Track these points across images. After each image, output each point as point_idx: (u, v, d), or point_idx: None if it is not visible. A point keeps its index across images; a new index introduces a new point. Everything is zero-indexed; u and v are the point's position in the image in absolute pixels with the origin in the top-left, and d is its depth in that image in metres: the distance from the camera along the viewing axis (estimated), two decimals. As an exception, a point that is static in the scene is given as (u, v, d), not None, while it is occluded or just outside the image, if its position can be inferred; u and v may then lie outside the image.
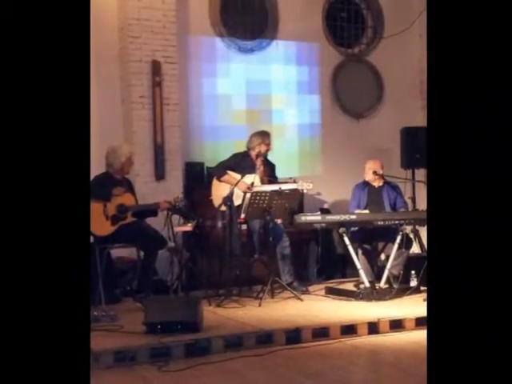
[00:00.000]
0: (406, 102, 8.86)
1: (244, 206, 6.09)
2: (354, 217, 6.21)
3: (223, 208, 6.16)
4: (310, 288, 6.62)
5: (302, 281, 6.87)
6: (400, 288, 6.10)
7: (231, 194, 6.11)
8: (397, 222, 6.14)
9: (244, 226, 6.48)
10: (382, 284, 6.13)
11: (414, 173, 7.96)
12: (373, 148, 8.20)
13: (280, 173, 6.81)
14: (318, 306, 5.74)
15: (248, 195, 6.05)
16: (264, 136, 6.61)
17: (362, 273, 6.12)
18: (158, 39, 7.25)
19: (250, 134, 6.71)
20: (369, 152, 7.73)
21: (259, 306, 5.71)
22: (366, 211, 6.50)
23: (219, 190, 6.42)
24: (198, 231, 6.64)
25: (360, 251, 6.34)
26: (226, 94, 8.03)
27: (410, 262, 6.41)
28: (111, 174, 6.03)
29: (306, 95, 8.51)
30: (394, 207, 6.66)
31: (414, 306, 5.52)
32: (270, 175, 6.57)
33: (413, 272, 6.38)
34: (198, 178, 7.57)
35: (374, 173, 6.65)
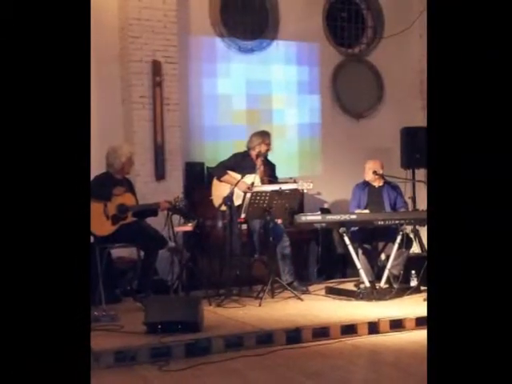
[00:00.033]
0: (406, 102, 8.86)
1: (244, 205, 6.10)
2: (354, 217, 6.21)
3: (223, 208, 6.16)
4: (311, 288, 6.62)
5: (302, 281, 6.87)
6: (400, 288, 6.10)
7: (231, 193, 6.11)
8: (397, 221, 6.14)
9: (244, 226, 6.49)
10: (383, 284, 6.13)
11: (414, 173, 7.97)
12: (373, 148, 8.20)
13: (280, 173, 6.82)
14: (318, 306, 5.74)
15: (248, 195, 6.06)
16: (264, 136, 6.61)
17: (362, 273, 6.12)
18: (159, 39, 7.26)
19: (251, 134, 6.71)
20: (369, 152, 7.73)
21: (259, 305, 5.71)
22: (366, 211, 6.50)
23: (219, 190, 6.42)
24: (199, 231, 6.64)
25: (360, 251, 6.34)
26: (227, 93, 8.03)
27: (410, 262, 6.42)
28: (111, 173, 6.03)
29: (306, 95, 8.51)
30: (394, 207, 6.66)
31: (415, 306, 5.53)
32: (270, 175, 6.57)
33: (413, 272, 6.38)
34: (199, 177, 7.57)
35: (374, 173, 6.66)
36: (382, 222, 6.14)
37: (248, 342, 4.70)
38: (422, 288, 6.12)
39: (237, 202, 6.22)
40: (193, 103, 7.81)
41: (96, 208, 5.67)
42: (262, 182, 6.42)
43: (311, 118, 8.53)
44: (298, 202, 6.49)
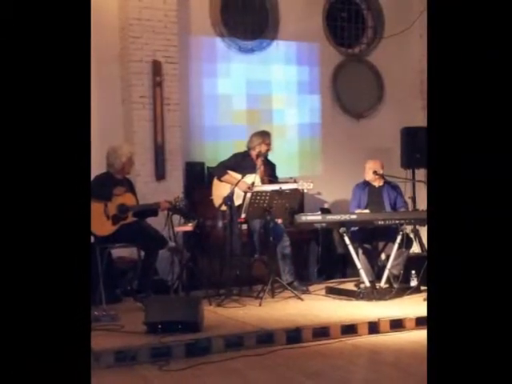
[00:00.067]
0: (407, 102, 8.86)
1: (244, 205, 6.10)
2: (354, 216, 6.21)
3: (224, 208, 6.16)
4: (311, 288, 6.62)
5: (302, 280, 6.87)
6: (400, 288, 6.10)
7: (232, 193, 6.11)
8: (397, 221, 6.14)
9: (244, 226, 6.49)
10: (383, 284, 6.13)
11: (414, 173, 7.97)
12: (373, 148, 8.20)
13: (280, 173, 6.82)
14: (318, 306, 5.74)
15: (248, 195, 6.06)
16: (264, 136, 6.61)
17: (362, 272, 6.13)
18: (159, 39, 7.26)
19: (251, 134, 6.72)
20: (369, 152, 7.74)
21: (260, 305, 5.71)
22: (367, 211, 6.51)
23: (220, 190, 6.42)
24: (199, 231, 6.65)
25: (360, 251, 6.34)
26: (227, 93, 8.04)
27: (411, 262, 6.42)
28: (112, 173, 6.03)
29: (306, 95, 8.51)
30: (394, 207, 6.66)
31: (415, 306, 5.53)
32: (270, 175, 6.58)
33: (413, 272, 6.38)
34: (199, 177, 7.57)
35: (375, 173, 6.66)
36: (382, 222, 6.15)
37: (248, 341, 4.70)
38: (422, 288, 6.12)
39: (237, 201, 6.22)
40: (193, 103, 7.82)
41: (96, 208, 5.67)
42: (263, 182, 6.43)
43: (311, 117, 8.54)
44: (298, 201, 6.50)
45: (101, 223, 5.72)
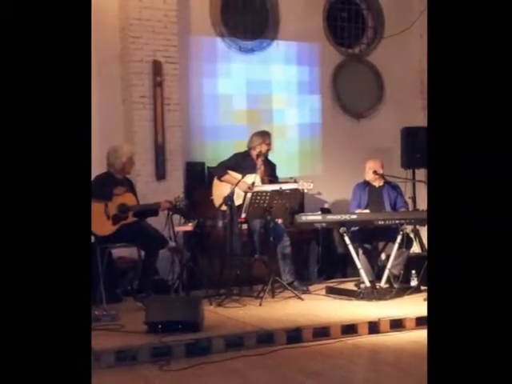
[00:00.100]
0: (407, 102, 8.87)
1: (245, 205, 6.10)
2: (354, 216, 6.22)
3: (224, 208, 6.17)
4: (311, 287, 6.63)
5: (302, 280, 6.87)
6: (400, 288, 6.11)
7: (232, 193, 6.11)
8: (397, 221, 6.14)
9: (245, 226, 6.49)
10: (383, 284, 6.14)
11: (414, 173, 7.98)
12: (373, 148, 8.20)
13: (281, 173, 6.82)
14: (318, 306, 5.74)
15: (249, 195, 6.06)
16: (265, 136, 6.62)
17: (362, 272, 6.13)
18: (159, 39, 7.26)
19: (251, 134, 6.72)
20: (369, 152, 7.73)
21: (260, 305, 5.71)
22: (367, 211, 6.51)
23: (220, 190, 6.42)
24: (199, 231, 6.65)
25: (360, 251, 6.35)
26: (227, 93, 8.04)
27: (411, 262, 6.42)
28: (112, 173, 6.04)
29: (306, 95, 8.52)
30: (394, 207, 6.66)
31: (415, 306, 5.53)
32: (270, 175, 6.58)
33: (413, 272, 6.39)
34: (199, 177, 7.58)
35: (375, 172, 6.66)
36: (383, 222, 6.15)
37: (248, 341, 4.70)
38: (423, 288, 6.12)
39: (237, 201, 6.22)
40: (193, 103, 7.82)
41: (97, 208, 5.68)
42: (263, 182, 6.43)
43: (311, 117, 8.54)
44: (298, 201, 6.50)
45: (101, 223, 5.73)
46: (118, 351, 4.36)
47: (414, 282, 6.35)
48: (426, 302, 4.73)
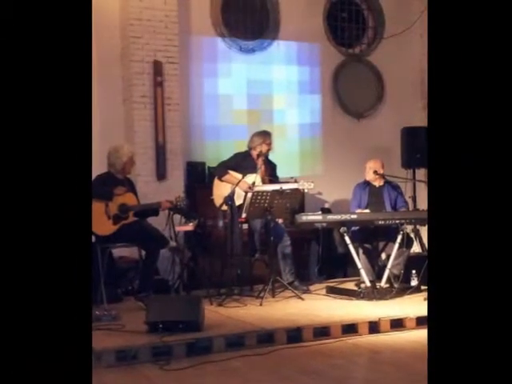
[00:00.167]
0: (407, 102, 8.88)
1: (245, 205, 6.11)
2: (354, 216, 6.22)
3: (224, 207, 6.17)
4: (311, 287, 6.63)
5: (303, 280, 6.88)
6: (401, 287, 6.11)
7: (232, 193, 6.11)
8: (397, 221, 6.14)
9: (245, 226, 6.50)
10: (383, 283, 6.14)
11: (414, 172, 7.98)
12: (373, 148, 8.21)
13: (281, 172, 6.83)
14: (318, 306, 5.75)
15: (249, 195, 6.07)
16: (265, 136, 6.62)
17: (362, 272, 6.13)
18: (160, 39, 7.27)
19: (252, 134, 6.73)
20: (369, 152, 7.74)
21: (260, 305, 5.72)
22: (367, 211, 6.52)
23: (220, 190, 6.43)
24: (200, 231, 6.66)
25: (361, 250, 6.35)
26: (227, 93, 8.04)
27: (411, 262, 6.42)
28: (113, 173, 6.04)
29: (306, 95, 8.52)
30: (394, 207, 6.67)
31: (415, 306, 5.54)
32: (271, 175, 6.59)
33: (413, 271, 6.39)
34: (200, 177, 7.58)
35: (375, 172, 6.67)
36: (383, 222, 6.15)
37: (249, 341, 4.71)
38: (423, 287, 6.13)
39: (238, 201, 6.23)
40: (194, 103, 7.83)
41: (97, 208, 5.68)
42: (263, 182, 6.43)
43: (312, 117, 8.54)
44: (298, 201, 6.50)
45: (102, 223, 5.73)
46: (118, 351, 4.36)
47: (414, 282, 6.35)
48: (426, 302, 4.73)
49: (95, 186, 5.26)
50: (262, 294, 5.93)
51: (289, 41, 8.34)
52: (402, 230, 6.15)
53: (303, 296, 6.07)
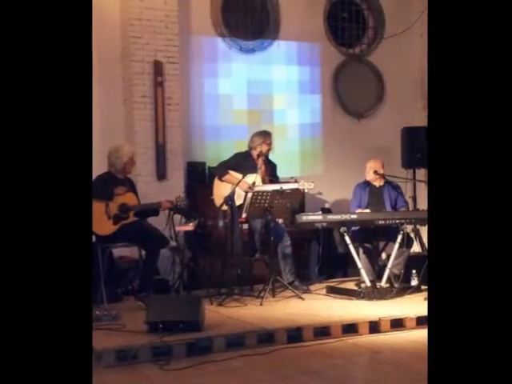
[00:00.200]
0: (407, 102, 8.88)
1: (245, 205, 6.11)
2: (354, 216, 6.22)
3: (225, 207, 6.17)
4: (312, 287, 6.63)
5: (303, 280, 6.88)
6: (401, 287, 6.11)
7: (233, 193, 6.11)
8: (398, 221, 6.14)
9: (245, 226, 6.50)
10: (383, 283, 6.14)
11: (414, 172, 7.99)
12: (374, 148, 8.21)
13: (281, 172, 6.83)
14: (319, 305, 5.75)
15: (249, 195, 6.07)
16: (265, 136, 6.63)
17: (363, 272, 6.13)
18: (160, 39, 7.27)
19: (252, 134, 6.73)
20: (370, 152, 7.74)
21: (260, 305, 5.72)
22: (367, 211, 6.52)
23: (221, 190, 6.43)
24: (200, 231, 6.66)
25: (361, 250, 6.36)
26: (228, 93, 8.05)
27: (411, 262, 6.42)
28: (113, 173, 6.04)
29: (307, 95, 8.53)
30: (394, 207, 6.67)
31: (415, 305, 5.54)
32: (271, 175, 6.59)
33: (414, 271, 6.39)
34: (200, 177, 7.59)
35: (375, 172, 6.67)
36: (383, 222, 6.15)
37: (249, 341, 4.71)
38: (423, 287, 6.13)
39: (238, 201, 6.23)
40: (194, 103, 7.83)
41: (98, 207, 5.68)
42: (263, 182, 6.44)
43: (312, 117, 8.55)
44: (299, 201, 6.50)
45: (102, 223, 5.73)
46: (118, 351, 4.36)
47: (414, 282, 6.35)
48: (426, 302, 4.73)
49: (95, 186, 5.26)
50: (262, 294, 5.93)
51: (289, 41, 8.34)
52: (402, 230, 6.15)
53: (303, 296, 6.08)
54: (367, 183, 6.78)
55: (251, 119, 8.07)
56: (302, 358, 4.45)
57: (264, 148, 6.54)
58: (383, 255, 6.98)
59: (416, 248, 7.15)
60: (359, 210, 6.53)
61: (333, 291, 6.33)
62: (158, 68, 7.25)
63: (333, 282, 6.94)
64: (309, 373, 4.08)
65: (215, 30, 7.99)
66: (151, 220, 6.10)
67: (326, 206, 8.28)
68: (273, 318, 5.20)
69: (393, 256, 6.18)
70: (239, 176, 6.35)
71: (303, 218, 6.10)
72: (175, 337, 4.53)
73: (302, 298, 5.99)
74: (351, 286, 6.59)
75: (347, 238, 6.10)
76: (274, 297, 6.01)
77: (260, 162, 6.47)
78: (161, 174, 7.27)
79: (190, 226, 6.10)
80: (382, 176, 6.73)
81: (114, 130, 7.21)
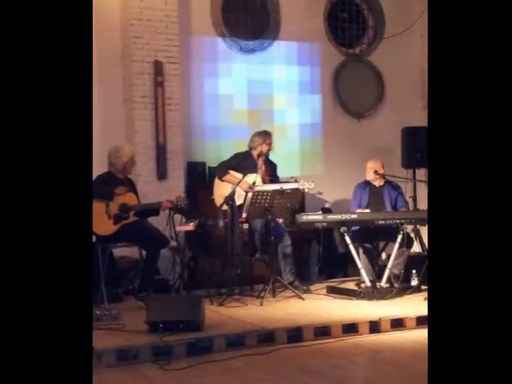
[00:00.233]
0: (407, 102, 8.88)
1: (246, 205, 6.11)
2: (355, 216, 6.22)
3: (225, 207, 6.17)
4: (312, 287, 6.63)
5: (303, 280, 6.88)
6: (401, 287, 6.11)
7: (233, 193, 6.11)
8: (398, 221, 6.14)
9: (246, 226, 6.50)
10: (383, 283, 6.14)
11: (414, 172, 7.99)
12: (374, 148, 8.21)
13: (281, 172, 6.83)
14: (319, 305, 5.75)
15: (250, 195, 6.07)
16: (266, 136, 6.63)
17: (363, 272, 6.13)
18: (160, 39, 7.27)
19: (252, 134, 6.73)
20: (370, 151, 7.74)
21: (261, 304, 5.72)
22: (367, 210, 6.52)
23: (221, 190, 6.43)
24: (200, 230, 6.66)
25: (361, 250, 6.36)
26: (228, 93, 8.05)
27: (411, 261, 6.42)
28: (113, 173, 6.05)
29: (307, 95, 8.52)
30: (394, 207, 6.67)
31: (415, 305, 5.54)
32: (271, 175, 6.59)
33: (414, 271, 6.39)
34: (200, 177, 7.59)
35: (375, 172, 6.67)
36: (383, 222, 6.15)
37: (249, 340, 4.71)
38: (423, 287, 6.13)
39: (238, 201, 6.23)
40: (194, 103, 7.83)
41: (98, 207, 5.68)
42: (264, 182, 6.44)
43: (312, 117, 8.55)
44: (299, 201, 6.50)
45: (102, 223, 5.73)
46: (119, 350, 4.36)
47: (414, 282, 6.35)
48: (426, 302, 4.73)
49: (96, 186, 5.27)
50: (262, 294, 5.93)
51: (289, 41, 8.34)
52: (403, 230, 6.15)
53: (304, 296, 6.08)
54: (367, 183, 6.78)
55: (251, 119, 8.07)
56: (303, 357, 4.45)
57: (264, 148, 6.54)
58: (383, 255, 6.98)
59: (416, 248, 7.15)
60: (359, 210, 6.53)
61: (333, 291, 6.33)
62: (158, 68, 7.25)
63: (333, 282, 6.94)
64: (309, 373, 4.08)
65: (215, 30, 7.99)
66: (151, 220, 6.10)
67: (326, 205, 8.28)
68: (273, 317, 5.20)
69: (393, 256, 6.18)
70: (239, 176, 6.35)
71: (303, 218, 6.11)
72: (175, 336, 4.53)
73: (303, 298, 5.99)
74: (351, 286, 6.60)
75: (347, 238, 6.10)
76: (274, 297, 6.01)
77: (260, 161, 6.47)
78: (161, 173, 7.27)
79: (191, 226, 6.11)
80: (382, 176, 6.73)
81: (115, 129, 7.21)
